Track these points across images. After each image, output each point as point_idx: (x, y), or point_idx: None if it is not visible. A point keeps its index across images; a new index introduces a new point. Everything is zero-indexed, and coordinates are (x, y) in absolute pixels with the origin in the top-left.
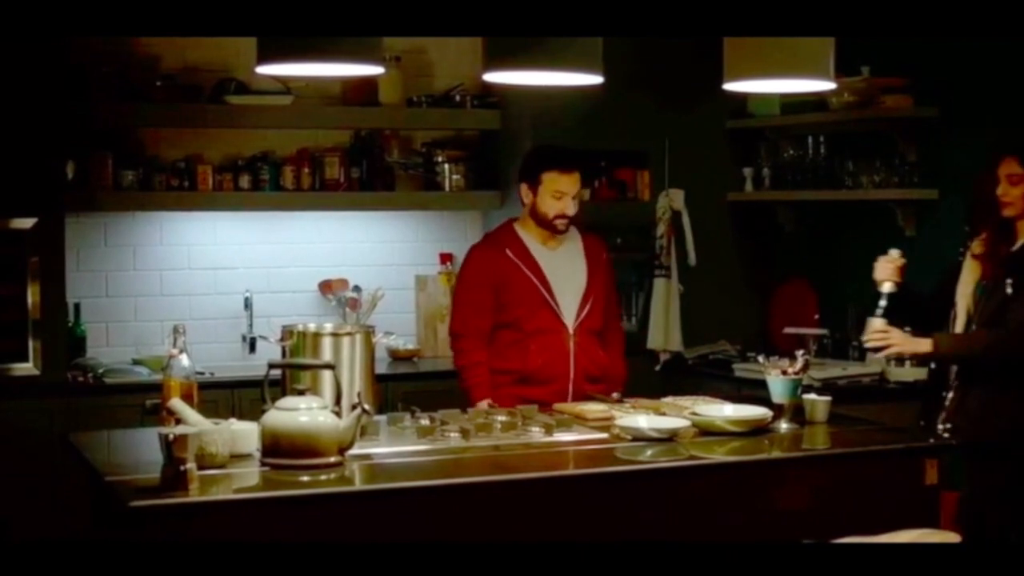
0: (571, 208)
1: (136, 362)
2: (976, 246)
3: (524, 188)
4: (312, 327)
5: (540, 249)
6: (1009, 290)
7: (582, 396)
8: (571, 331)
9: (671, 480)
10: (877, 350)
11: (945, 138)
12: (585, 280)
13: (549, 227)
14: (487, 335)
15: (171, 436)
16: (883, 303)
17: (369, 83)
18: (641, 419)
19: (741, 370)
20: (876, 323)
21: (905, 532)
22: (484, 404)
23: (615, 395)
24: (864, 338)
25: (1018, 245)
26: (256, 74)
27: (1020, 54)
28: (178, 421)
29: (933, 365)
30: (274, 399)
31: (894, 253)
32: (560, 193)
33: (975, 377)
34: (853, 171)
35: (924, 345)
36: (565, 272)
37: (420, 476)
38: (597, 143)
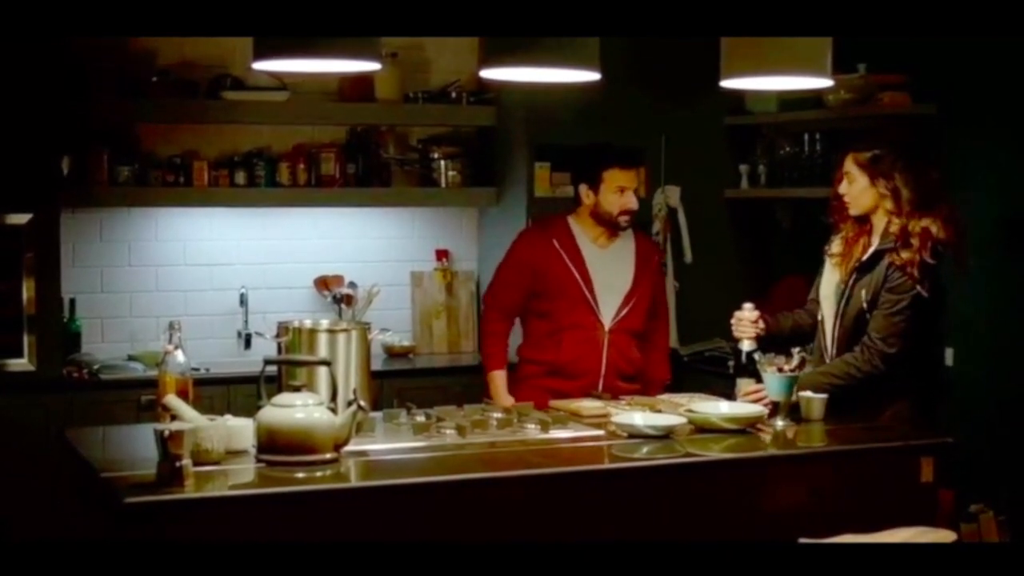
0: (634, 203)
1: (131, 358)
2: (835, 245)
3: (584, 189)
4: (308, 323)
5: (590, 246)
6: (864, 304)
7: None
8: (607, 329)
9: (667, 477)
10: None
11: (943, 135)
12: (631, 281)
13: (613, 225)
14: (512, 312)
15: (167, 432)
16: (744, 361)
17: (365, 79)
18: (637, 416)
19: None
20: (744, 385)
21: (901, 530)
22: (497, 375)
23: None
24: (739, 401)
25: (869, 252)
26: (252, 70)
27: (1019, 51)
28: (173, 417)
29: None
30: (270, 395)
31: (747, 307)
32: (622, 188)
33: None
34: None
35: None
36: (611, 271)
37: (416, 473)
38: (593, 139)
